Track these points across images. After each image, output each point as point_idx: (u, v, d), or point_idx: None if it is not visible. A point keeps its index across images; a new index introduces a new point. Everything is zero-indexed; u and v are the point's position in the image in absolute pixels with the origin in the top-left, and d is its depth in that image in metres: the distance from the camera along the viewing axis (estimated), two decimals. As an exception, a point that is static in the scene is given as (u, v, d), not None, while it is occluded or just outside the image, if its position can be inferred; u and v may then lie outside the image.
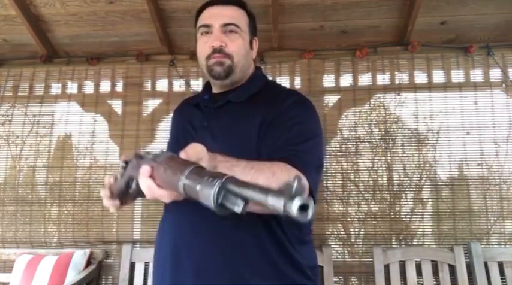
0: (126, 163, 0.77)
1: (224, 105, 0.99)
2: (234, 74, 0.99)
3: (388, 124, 2.42)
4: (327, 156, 2.39)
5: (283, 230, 0.91)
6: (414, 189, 2.37)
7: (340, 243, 2.39)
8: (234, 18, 0.99)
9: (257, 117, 0.92)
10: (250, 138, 0.91)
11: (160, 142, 2.47)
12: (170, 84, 2.60)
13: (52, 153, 2.58)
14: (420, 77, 2.44)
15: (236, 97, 0.99)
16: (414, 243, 2.33)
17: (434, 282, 2.16)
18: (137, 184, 0.70)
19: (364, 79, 2.47)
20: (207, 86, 1.11)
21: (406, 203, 2.37)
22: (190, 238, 0.90)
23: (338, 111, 2.44)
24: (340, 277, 2.28)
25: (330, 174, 2.39)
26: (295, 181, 0.42)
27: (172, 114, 1.20)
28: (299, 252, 0.93)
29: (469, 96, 2.38)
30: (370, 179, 2.38)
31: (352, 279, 2.31)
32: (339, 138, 2.42)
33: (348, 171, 2.39)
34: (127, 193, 0.79)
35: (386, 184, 2.36)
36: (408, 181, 2.36)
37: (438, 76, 2.43)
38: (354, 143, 2.41)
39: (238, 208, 0.47)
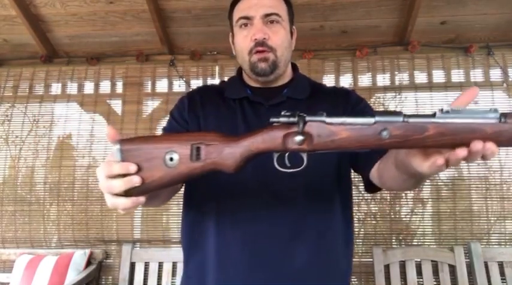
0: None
1: (284, 102, 0.93)
2: (278, 69, 0.93)
3: (388, 124, 2.41)
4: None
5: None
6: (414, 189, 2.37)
7: (340, 243, 2.39)
8: (274, 7, 0.94)
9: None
10: None
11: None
12: (170, 84, 2.60)
13: (51, 153, 2.58)
14: (420, 77, 2.44)
15: (296, 94, 0.95)
16: (414, 243, 2.32)
17: (435, 282, 2.16)
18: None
19: (364, 79, 2.47)
20: (238, 79, 1.02)
21: (406, 203, 2.37)
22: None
23: (338, 111, 2.44)
24: (340, 277, 2.28)
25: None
26: None
27: (187, 97, 1.01)
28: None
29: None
30: (370, 179, 2.38)
31: (352, 279, 2.31)
32: (339, 138, 2.42)
33: (348, 171, 2.39)
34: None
35: (386, 184, 2.36)
36: (408, 181, 2.36)
37: (438, 76, 2.43)
38: (354, 143, 2.40)
39: None
